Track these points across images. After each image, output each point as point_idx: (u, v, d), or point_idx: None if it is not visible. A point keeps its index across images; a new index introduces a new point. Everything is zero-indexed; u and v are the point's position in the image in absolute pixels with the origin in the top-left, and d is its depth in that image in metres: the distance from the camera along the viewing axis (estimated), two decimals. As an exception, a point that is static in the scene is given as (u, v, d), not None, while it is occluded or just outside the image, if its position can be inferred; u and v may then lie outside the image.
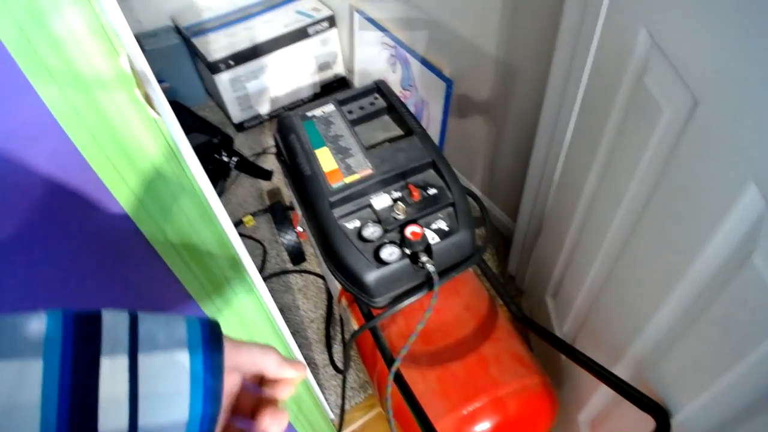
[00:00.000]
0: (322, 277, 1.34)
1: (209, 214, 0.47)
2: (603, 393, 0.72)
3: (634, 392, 0.55)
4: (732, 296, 0.42)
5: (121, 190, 0.40)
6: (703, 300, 0.46)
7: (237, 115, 1.76)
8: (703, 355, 0.47)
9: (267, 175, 1.62)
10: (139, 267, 0.47)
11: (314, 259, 1.38)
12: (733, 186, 0.40)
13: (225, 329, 0.59)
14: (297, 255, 1.32)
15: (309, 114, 0.95)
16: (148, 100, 0.37)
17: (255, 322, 0.63)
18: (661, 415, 0.52)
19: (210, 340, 0.28)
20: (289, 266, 1.37)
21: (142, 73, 0.38)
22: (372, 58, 1.57)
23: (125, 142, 0.37)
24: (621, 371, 0.61)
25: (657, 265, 0.53)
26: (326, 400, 1.08)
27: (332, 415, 1.07)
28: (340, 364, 1.16)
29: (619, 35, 0.60)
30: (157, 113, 0.38)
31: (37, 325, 0.23)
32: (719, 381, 0.44)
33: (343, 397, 1.10)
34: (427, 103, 1.36)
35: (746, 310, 0.40)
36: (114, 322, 0.25)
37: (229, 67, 1.62)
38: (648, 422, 0.53)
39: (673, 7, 0.47)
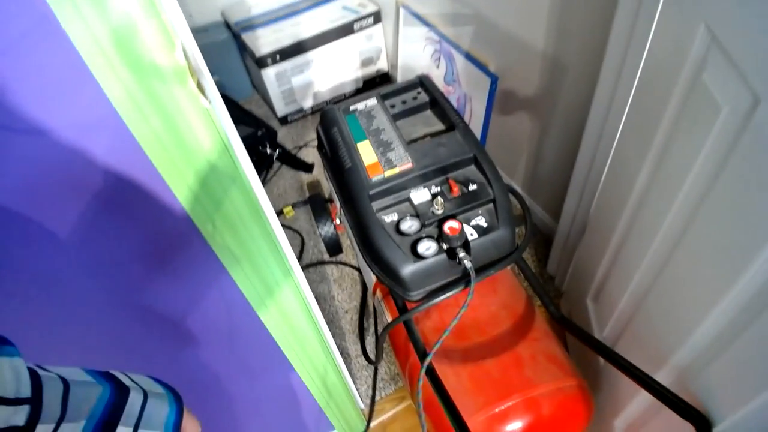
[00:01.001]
0: (357, 269, 1.35)
1: (255, 205, 0.49)
2: (641, 400, 0.70)
3: (676, 399, 0.53)
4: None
5: (174, 179, 0.42)
6: (755, 307, 0.44)
7: (281, 108, 1.80)
8: (749, 366, 0.45)
9: (308, 167, 1.65)
10: (188, 254, 0.50)
11: (350, 251, 1.40)
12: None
13: (265, 317, 0.61)
14: (334, 246, 1.34)
15: (352, 108, 0.96)
16: (201, 89, 0.39)
17: (293, 310, 0.64)
18: (702, 423, 0.50)
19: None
20: (326, 257, 1.39)
21: (196, 64, 0.39)
22: (416, 54, 1.57)
23: (179, 130, 0.39)
24: (662, 378, 0.59)
25: (708, 270, 0.51)
26: (357, 390, 1.10)
27: (362, 405, 1.08)
28: (372, 356, 1.17)
29: (676, 30, 0.58)
30: (209, 102, 0.40)
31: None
32: (765, 393, 0.42)
33: (374, 388, 1.11)
34: (470, 99, 1.35)
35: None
36: (133, 401, 0.34)
37: (275, 62, 1.66)
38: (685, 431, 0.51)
39: (735, 3, 0.45)
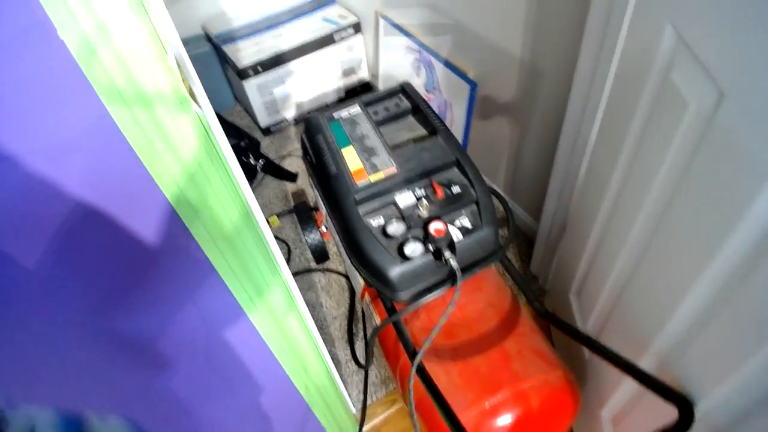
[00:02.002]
0: (344, 275, 1.36)
1: (245, 207, 0.50)
2: (626, 388, 0.72)
3: (658, 383, 0.56)
4: (756, 284, 0.42)
5: (168, 185, 0.43)
6: (728, 289, 0.46)
7: (264, 119, 1.81)
8: (726, 344, 0.47)
9: (292, 177, 1.65)
10: (179, 258, 0.50)
11: (337, 258, 1.41)
12: (758, 175, 0.40)
13: (256, 319, 0.61)
14: (321, 254, 1.35)
15: (335, 115, 0.98)
16: (192, 95, 0.40)
17: (283, 312, 0.65)
18: (684, 405, 0.52)
19: None
20: (313, 265, 1.40)
21: (186, 70, 0.40)
22: (396, 63, 1.60)
23: (171, 137, 0.40)
24: (645, 364, 0.61)
25: (682, 256, 0.54)
26: (348, 395, 1.10)
27: (354, 410, 1.09)
28: (362, 360, 1.18)
29: (645, 32, 0.61)
30: (200, 108, 0.41)
31: None
32: (742, 369, 0.45)
33: (365, 392, 1.11)
34: (450, 105, 1.38)
35: (770, 297, 0.40)
36: None
37: (257, 73, 1.67)
38: (669, 417, 0.53)
39: (700, 3, 0.48)
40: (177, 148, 0.41)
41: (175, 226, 0.46)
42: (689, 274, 0.51)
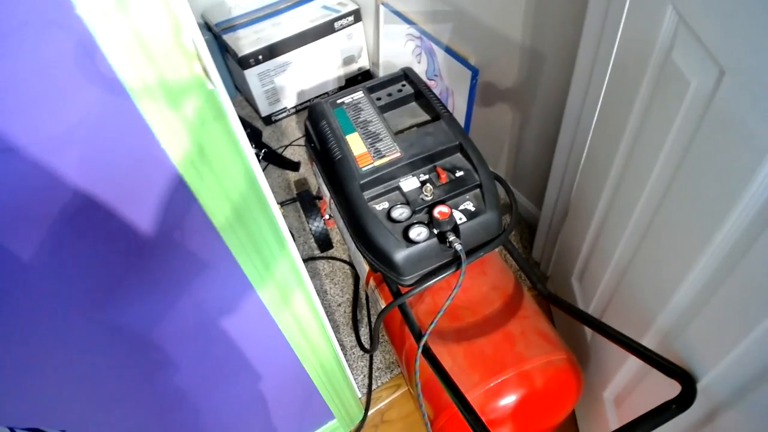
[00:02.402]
0: (348, 263, 1.37)
1: (256, 185, 0.51)
2: (627, 369, 0.73)
3: (661, 359, 0.57)
4: (755, 257, 0.43)
5: (181, 162, 0.44)
6: (727, 265, 0.47)
7: (265, 108, 1.81)
8: (726, 319, 0.48)
9: (295, 166, 1.66)
10: (196, 239, 0.51)
11: (341, 246, 1.42)
12: (758, 150, 0.41)
13: (265, 296, 0.62)
14: (324, 242, 1.36)
15: (339, 101, 0.98)
16: (206, 73, 0.41)
17: (292, 291, 0.66)
18: (687, 380, 0.53)
19: None
20: (317, 253, 1.41)
21: (200, 48, 0.41)
22: (397, 51, 1.60)
23: (187, 114, 0.41)
24: (647, 343, 0.63)
25: (683, 235, 0.55)
26: (354, 380, 1.12)
27: (360, 394, 1.10)
28: (367, 345, 1.19)
29: (646, 14, 0.62)
30: (214, 86, 0.42)
31: None
32: (742, 342, 0.46)
33: (370, 376, 1.13)
34: (452, 92, 1.38)
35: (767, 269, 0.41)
36: None
37: (258, 62, 1.67)
38: (670, 395, 0.55)
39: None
40: (192, 125, 0.42)
41: (186, 200, 0.47)
42: (691, 251, 0.52)
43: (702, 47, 0.48)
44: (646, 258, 0.65)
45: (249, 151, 0.48)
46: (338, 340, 1.22)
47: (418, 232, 0.80)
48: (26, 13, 0.32)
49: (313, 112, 0.98)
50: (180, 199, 0.47)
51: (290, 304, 0.68)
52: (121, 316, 0.54)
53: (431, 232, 0.80)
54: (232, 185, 0.48)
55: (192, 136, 0.42)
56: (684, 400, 0.52)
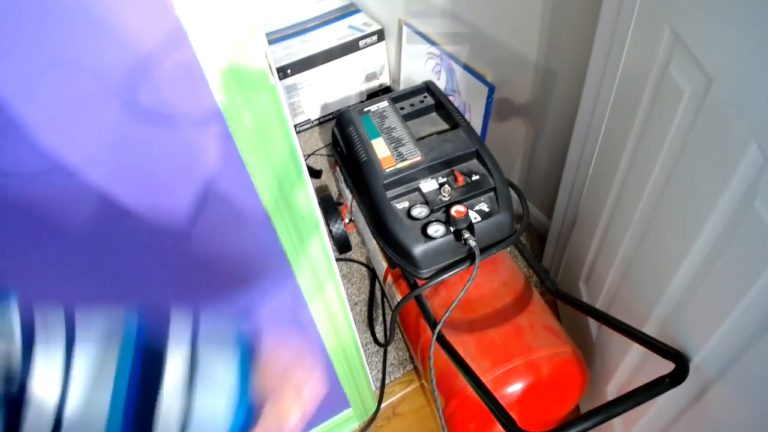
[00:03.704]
0: (365, 265, 1.44)
1: (304, 182, 0.58)
2: (628, 361, 0.78)
3: (657, 342, 0.62)
4: (738, 241, 0.49)
5: (251, 160, 0.52)
6: (714, 252, 0.53)
7: (290, 119, 1.91)
8: (712, 302, 0.54)
9: (317, 173, 1.74)
10: (252, 228, 0.59)
11: (358, 249, 1.49)
12: (738, 147, 0.48)
13: (299, 270, 0.68)
14: (343, 244, 1.43)
15: (366, 109, 1.07)
16: (270, 69, 0.49)
17: (322, 268, 0.72)
18: (680, 359, 0.59)
19: None
20: (336, 255, 1.48)
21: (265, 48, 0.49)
22: (417, 68, 1.69)
23: (256, 105, 0.49)
24: (647, 331, 0.68)
25: (677, 230, 0.61)
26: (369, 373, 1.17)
27: (373, 387, 1.15)
28: (382, 340, 1.25)
29: (647, 34, 0.69)
30: (276, 79, 0.50)
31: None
32: (725, 322, 0.51)
33: (384, 370, 1.18)
34: (469, 107, 1.46)
35: (748, 250, 0.47)
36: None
37: (286, 75, 1.77)
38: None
39: (693, 9, 0.56)
40: (261, 117, 0.50)
41: (243, 175, 0.54)
42: (683, 244, 0.58)
43: (694, 61, 0.55)
44: (645, 255, 0.71)
45: (294, 134, 0.56)
46: (354, 337, 1.28)
47: (435, 229, 0.87)
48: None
49: (342, 119, 1.07)
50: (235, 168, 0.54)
51: (324, 293, 0.75)
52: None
53: (448, 230, 0.87)
54: (280, 162, 0.56)
55: (258, 125, 0.50)
56: (677, 376, 0.58)
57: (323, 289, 0.74)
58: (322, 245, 0.68)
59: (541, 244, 1.38)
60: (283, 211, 0.60)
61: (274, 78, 0.49)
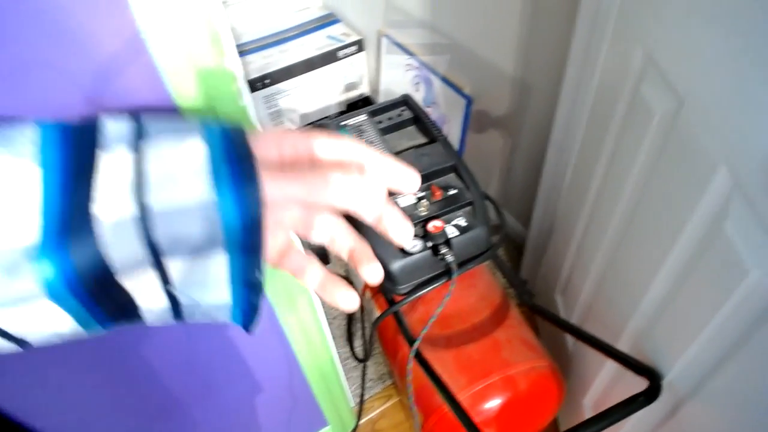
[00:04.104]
0: (345, 278, 1.43)
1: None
2: (604, 375, 0.79)
3: (630, 359, 0.63)
4: (707, 261, 0.50)
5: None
6: (686, 270, 0.54)
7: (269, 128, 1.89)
8: (684, 319, 0.55)
9: (295, 184, 1.73)
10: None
11: (338, 262, 1.47)
12: (708, 168, 0.48)
13: (275, 299, 0.67)
14: (323, 257, 1.41)
15: (343, 123, 1.06)
16: (239, 92, 0.48)
17: (300, 301, 0.71)
18: (653, 376, 0.59)
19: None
20: (315, 267, 1.46)
21: (236, 71, 0.48)
22: (396, 79, 1.70)
23: (224, 108, 0.48)
24: (621, 346, 0.69)
25: (649, 246, 0.61)
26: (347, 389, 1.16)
27: (353, 403, 1.14)
28: (360, 356, 1.24)
29: (620, 53, 0.70)
30: (244, 102, 0.49)
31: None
32: (697, 339, 0.52)
33: (363, 385, 1.17)
34: (447, 119, 1.46)
35: (718, 270, 0.48)
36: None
37: (264, 85, 1.76)
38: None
39: (665, 30, 0.57)
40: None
41: None
42: (655, 261, 0.59)
43: (665, 82, 0.56)
44: (619, 269, 0.72)
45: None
46: (333, 351, 1.26)
47: (413, 244, 0.86)
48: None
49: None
50: None
51: (296, 308, 0.73)
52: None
53: (425, 245, 0.86)
54: None
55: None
56: (651, 394, 0.58)
57: (296, 305, 0.73)
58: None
59: (519, 254, 1.39)
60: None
61: (243, 89, 0.48)
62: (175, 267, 0.22)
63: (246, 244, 0.22)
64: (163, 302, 0.23)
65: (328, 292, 0.30)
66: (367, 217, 0.27)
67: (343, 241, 0.30)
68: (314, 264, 0.30)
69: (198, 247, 0.22)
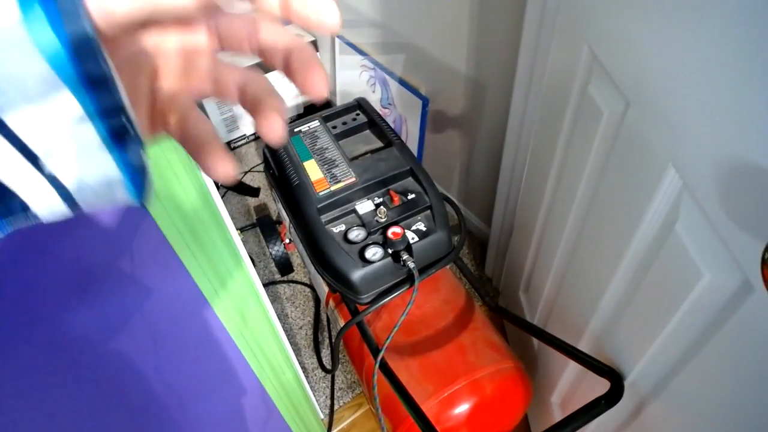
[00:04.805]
0: (309, 285, 1.39)
1: (215, 209, 0.54)
2: (569, 373, 0.79)
3: (592, 360, 0.63)
4: (661, 263, 0.50)
5: (154, 203, 0.47)
6: (640, 271, 0.54)
7: (223, 135, 1.83)
8: (643, 320, 0.55)
9: (255, 192, 1.68)
10: (150, 255, 0.54)
11: (301, 270, 1.44)
12: (657, 169, 0.48)
13: (221, 312, 0.64)
14: (285, 266, 1.38)
15: (296, 129, 1.03)
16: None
17: (249, 309, 0.68)
18: (615, 378, 0.59)
19: None
20: (277, 277, 1.43)
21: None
22: (353, 80, 1.67)
23: (153, 150, 0.44)
24: (583, 347, 0.69)
25: (605, 247, 0.62)
26: (316, 401, 1.13)
27: (322, 415, 1.11)
28: (328, 366, 1.21)
29: (567, 52, 0.70)
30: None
31: None
32: (657, 340, 0.52)
33: (332, 396, 1.15)
34: (405, 120, 1.45)
35: (672, 272, 0.48)
36: None
37: (215, 90, 1.69)
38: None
39: (608, 29, 0.56)
40: (158, 164, 0.45)
41: (141, 219, 0.49)
42: (612, 260, 0.59)
43: (611, 83, 0.56)
44: (577, 269, 0.72)
45: (210, 181, 0.52)
46: (300, 362, 1.23)
47: (373, 252, 0.84)
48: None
49: (271, 140, 1.02)
50: (135, 215, 0.49)
51: (249, 324, 0.70)
52: (70, 330, 0.55)
53: (386, 252, 0.84)
54: (185, 196, 0.51)
55: (150, 159, 0.45)
56: (612, 396, 0.58)
57: (247, 321, 0.70)
58: (248, 285, 0.64)
59: (483, 252, 1.39)
60: (194, 249, 0.55)
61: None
62: (16, 122, 0.18)
63: (82, 74, 0.18)
64: (30, 174, 0.19)
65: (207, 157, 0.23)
66: (253, 44, 0.22)
67: (229, 77, 0.24)
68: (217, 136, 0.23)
69: (28, 91, 0.17)
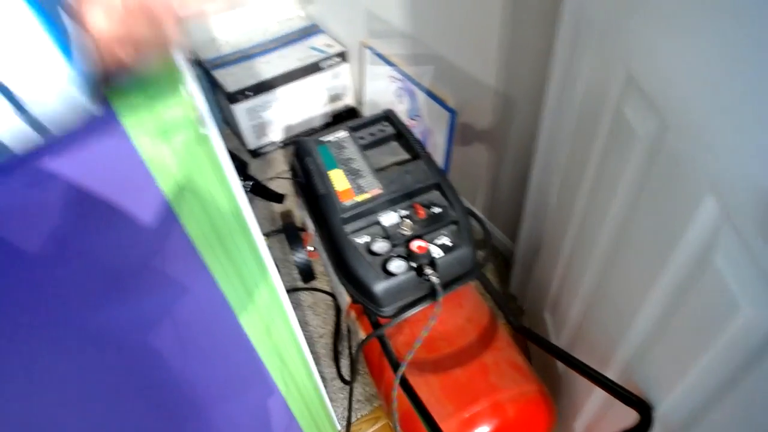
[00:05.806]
0: (330, 294, 1.40)
1: (241, 217, 0.55)
2: (594, 399, 0.77)
3: (620, 389, 0.60)
4: (698, 293, 0.47)
5: (183, 208, 0.47)
6: (675, 300, 0.52)
7: (252, 142, 1.86)
8: (676, 350, 0.52)
9: (279, 198, 1.69)
10: (178, 262, 0.54)
11: (323, 278, 1.44)
12: (695, 197, 0.46)
13: (245, 321, 0.64)
14: (307, 273, 1.38)
15: (323, 139, 1.03)
16: (200, 120, 0.45)
17: (273, 318, 0.68)
18: (644, 408, 0.57)
19: None
20: (300, 284, 1.43)
21: (194, 98, 0.45)
22: (381, 90, 1.67)
23: (184, 157, 0.45)
24: (610, 374, 0.66)
25: (637, 272, 0.59)
26: (334, 412, 1.12)
27: (339, 426, 1.11)
28: (347, 377, 1.20)
29: (602, 72, 0.68)
30: (207, 131, 0.46)
31: None
32: (691, 371, 0.50)
33: (350, 408, 1.14)
34: (432, 132, 1.44)
35: (709, 304, 0.46)
36: None
37: (246, 97, 1.72)
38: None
39: (648, 51, 0.55)
40: (182, 157, 0.46)
41: (170, 223, 0.50)
42: (644, 287, 0.57)
43: (649, 104, 0.54)
44: (606, 292, 0.70)
45: (236, 181, 0.52)
46: (319, 372, 1.22)
47: (397, 265, 0.83)
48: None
49: (299, 149, 1.03)
50: (164, 222, 0.50)
51: (272, 335, 0.70)
52: (100, 330, 0.56)
53: (409, 266, 0.84)
54: (217, 212, 0.52)
55: (181, 166, 0.46)
56: (641, 428, 0.56)
57: (271, 333, 0.70)
58: (274, 295, 0.64)
59: (508, 267, 1.37)
60: (221, 258, 0.56)
61: (206, 129, 0.45)
62: None
63: None
64: None
65: None
66: None
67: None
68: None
69: None
